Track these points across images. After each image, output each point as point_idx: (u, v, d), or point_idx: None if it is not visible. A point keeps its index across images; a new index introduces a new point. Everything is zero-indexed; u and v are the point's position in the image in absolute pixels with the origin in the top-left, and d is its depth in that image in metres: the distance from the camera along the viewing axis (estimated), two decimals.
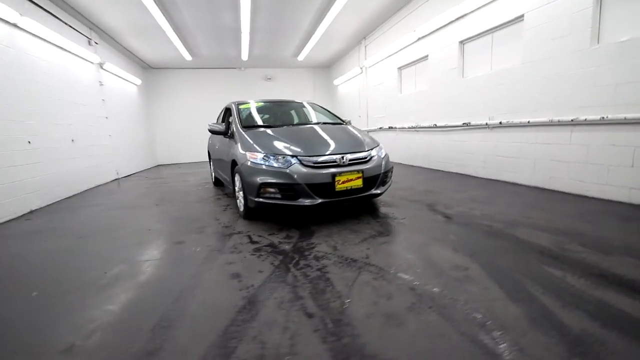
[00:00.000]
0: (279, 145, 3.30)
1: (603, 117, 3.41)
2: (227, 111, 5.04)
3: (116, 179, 7.95)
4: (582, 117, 3.62)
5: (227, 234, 3.13)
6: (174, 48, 8.87)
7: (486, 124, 5.01)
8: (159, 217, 4.01)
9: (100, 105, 7.48)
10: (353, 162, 3.24)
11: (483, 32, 5.04)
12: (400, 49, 7.26)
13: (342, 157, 3.20)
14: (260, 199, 3.13)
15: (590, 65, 3.54)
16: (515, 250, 2.39)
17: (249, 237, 3.01)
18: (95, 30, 7.29)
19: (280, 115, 4.49)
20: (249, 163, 3.23)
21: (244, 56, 10.06)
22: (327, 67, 12.87)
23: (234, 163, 3.72)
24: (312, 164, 3.09)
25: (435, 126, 6.26)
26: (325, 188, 3.05)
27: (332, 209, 3.70)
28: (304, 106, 4.81)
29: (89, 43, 7.12)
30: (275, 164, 3.09)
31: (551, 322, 1.52)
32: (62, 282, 2.28)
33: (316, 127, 3.93)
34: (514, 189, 4.35)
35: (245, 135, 3.62)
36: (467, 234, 2.79)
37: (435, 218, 3.28)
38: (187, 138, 11.87)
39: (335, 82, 11.83)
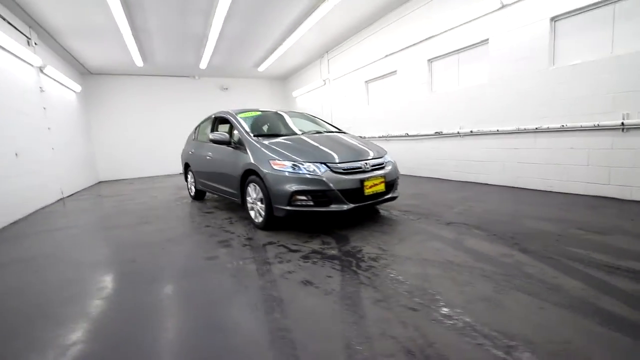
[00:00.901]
0: (304, 153, 3.32)
1: (563, 125, 4.17)
2: (219, 121, 4.85)
3: (61, 199, 6.90)
4: (545, 126, 4.36)
5: (259, 246, 3.02)
6: (126, 52, 8.15)
7: (458, 132, 5.64)
8: (160, 235, 3.65)
9: (42, 114, 6.50)
10: (375, 168, 3.42)
11: (450, 52, 5.71)
12: (368, 64, 7.76)
13: (366, 163, 3.36)
14: (292, 207, 3.10)
15: (549, 83, 4.30)
16: (536, 237, 2.78)
17: (285, 246, 2.96)
18: (35, 29, 6.37)
19: (283, 124, 4.47)
20: (276, 172, 3.18)
21: (203, 64, 9.66)
22: (284, 79, 12.99)
23: (248, 173, 3.62)
24: (342, 171, 3.18)
25: (407, 135, 6.80)
26: (355, 193, 3.17)
27: (340, 217, 3.81)
28: (300, 116, 4.86)
29: (28, 43, 6.19)
30: (307, 172, 3.11)
31: (594, 280, 1.86)
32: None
33: (327, 135, 4.04)
34: (489, 189, 4.97)
35: (261, 145, 3.55)
36: (485, 226, 3.15)
37: (447, 217, 3.61)
38: (134, 151, 10.83)
39: (294, 93, 11.99)
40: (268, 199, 3.28)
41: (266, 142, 3.61)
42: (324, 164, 3.18)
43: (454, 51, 5.64)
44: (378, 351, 1.46)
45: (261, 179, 3.36)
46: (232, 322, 1.79)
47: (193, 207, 5.18)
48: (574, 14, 4.01)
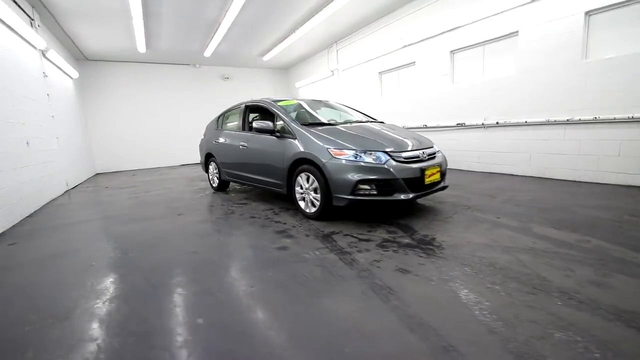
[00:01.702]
0: (362, 141, 3.28)
1: (595, 117, 4.30)
2: (250, 109, 4.72)
3: (67, 191, 6.56)
4: (577, 118, 4.49)
5: (323, 235, 2.97)
6: (131, 37, 7.76)
7: (482, 123, 5.73)
8: (204, 226, 3.53)
9: (46, 101, 6.11)
10: (430, 157, 3.42)
11: (475, 44, 5.76)
12: (383, 55, 7.72)
13: (423, 152, 3.36)
14: (355, 197, 3.07)
15: (582, 75, 4.42)
16: (596, 223, 2.87)
17: (352, 235, 2.93)
18: (39, 9, 5.94)
19: (322, 113, 4.38)
20: (336, 161, 3.13)
21: (208, 52, 9.33)
22: (286, 69, 12.77)
23: (298, 163, 3.54)
24: (403, 159, 3.17)
25: (425, 126, 6.85)
26: (417, 182, 3.16)
27: (395, 206, 3.81)
28: (332, 105, 4.78)
29: (31, 25, 5.77)
30: (370, 161, 3.07)
31: None
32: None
33: (375, 124, 4.02)
34: (517, 179, 5.08)
35: (313, 134, 3.48)
36: (541, 215, 3.22)
37: (495, 206, 3.67)
38: (133, 142, 10.40)
39: (297, 84, 11.82)
40: (326, 188, 3.23)
41: (316, 131, 3.54)
42: (386, 152, 3.15)
43: (479, 43, 5.69)
44: (527, 334, 1.47)
45: (318, 168, 3.29)
46: (355, 311, 1.75)
47: (220, 198, 5.03)
48: (609, 9, 4.11)
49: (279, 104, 4.25)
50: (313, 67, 10.89)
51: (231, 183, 5.83)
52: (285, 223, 3.45)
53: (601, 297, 1.75)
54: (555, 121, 4.74)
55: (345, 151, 3.14)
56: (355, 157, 3.10)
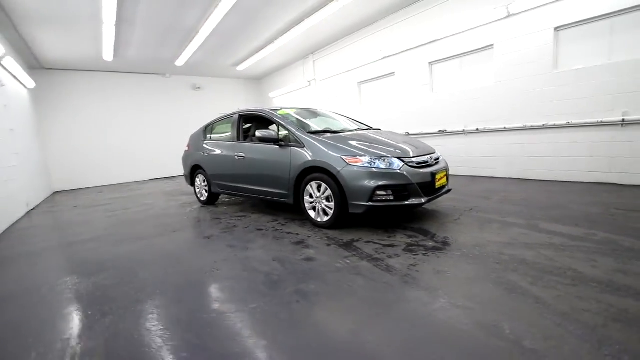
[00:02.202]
0: (373, 148, 3.31)
1: (568, 122, 4.74)
2: (244, 119, 4.60)
3: (28, 213, 5.88)
4: (551, 123, 4.92)
5: (344, 244, 2.93)
6: (97, 45, 7.26)
7: (463, 130, 6.07)
8: (210, 242, 3.33)
9: (4, 113, 5.48)
10: (436, 162, 3.54)
11: (453, 56, 6.13)
12: (362, 66, 7.94)
13: (431, 157, 3.47)
14: (373, 203, 3.07)
15: (554, 85, 4.86)
16: (592, 218, 3.12)
17: (374, 242, 2.91)
18: None
19: (322, 121, 4.37)
20: (352, 168, 3.12)
21: (180, 62, 8.98)
22: (258, 80, 12.65)
23: (307, 172, 3.48)
24: (415, 165, 3.24)
25: (408, 133, 7.10)
26: (428, 186, 3.24)
27: (405, 211, 3.86)
28: (329, 114, 4.80)
29: None
30: (386, 167, 3.10)
31: None
32: None
33: (378, 132, 4.10)
34: (501, 181, 5.42)
35: (321, 142, 3.45)
36: (540, 212, 3.44)
37: (494, 207, 3.87)
38: (95, 156, 9.62)
39: (272, 94, 11.74)
40: (341, 196, 3.20)
41: (324, 139, 3.52)
42: (399, 158, 3.20)
43: (457, 55, 6.06)
44: (589, 324, 1.54)
45: (331, 176, 3.27)
46: (429, 315, 1.73)
47: (212, 212, 4.79)
48: (576, 25, 4.60)
49: (278, 112, 4.18)
50: (288, 78, 10.90)
51: (220, 196, 5.58)
52: (297, 234, 3.36)
53: (633, 283, 1.89)
54: (532, 126, 5.14)
55: (360, 158, 3.15)
56: (371, 164, 3.12)
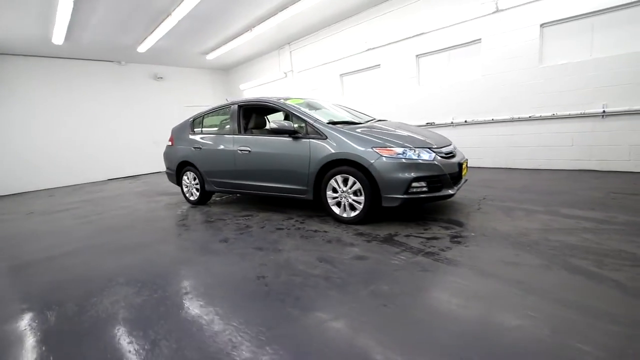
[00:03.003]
0: (401, 139, 3.21)
1: (554, 114, 5.08)
2: (245, 110, 4.24)
3: None
4: (538, 115, 5.23)
5: (384, 239, 2.80)
6: (45, 25, 6.26)
7: (451, 122, 6.25)
8: (244, 245, 3.00)
9: None
10: (456, 152, 3.55)
11: (441, 49, 6.25)
12: (345, 57, 7.81)
13: (455, 148, 3.47)
14: (408, 195, 2.97)
15: (539, 78, 5.17)
16: (601, 201, 3.35)
17: (414, 236, 2.82)
18: None
19: (334, 112, 4.16)
20: (385, 160, 2.99)
21: (143, 48, 8.11)
22: (226, 70, 11.95)
23: (331, 164, 3.28)
24: (444, 155, 3.21)
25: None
26: (455, 177, 3.23)
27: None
28: (329, 105, 4.60)
29: None
30: (420, 157, 3.02)
31: None
32: None
33: (395, 122, 4.03)
34: (489, 171, 5.67)
35: (346, 133, 3.27)
36: (549, 199, 3.61)
37: (504, 193, 4.00)
38: (38, 156, 8.38)
39: (242, 86, 11.17)
40: (372, 189, 3.06)
41: (348, 130, 3.35)
42: (429, 148, 3.14)
43: (444, 48, 6.20)
44: None
45: (361, 168, 3.11)
46: (550, 313, 1.66)
47: (209, 212, 4.37)
48: (560, 22, 4.91)
49: (289, 102, 3.90)
50: (261, 69, 10.42)
51: (212, 195, 5.14)
52: (325, 231, 3.16)
53: None
54: (519, 118, 5.44)
55: (394, 149, 3.03)
56: (404, 155, 3.01)
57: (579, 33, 4.80)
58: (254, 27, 7.52)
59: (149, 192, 6.49)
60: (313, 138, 3.43)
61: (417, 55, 6.60)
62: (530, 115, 5.32)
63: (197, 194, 4.80)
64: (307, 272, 2.30)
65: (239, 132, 4.18)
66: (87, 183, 9.04)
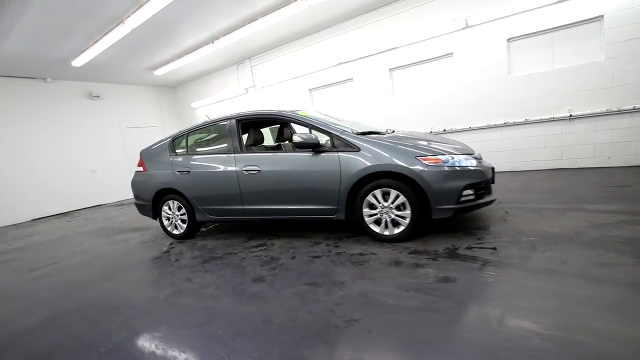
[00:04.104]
0: (437, 145, 3.06)
1: (526, 119, 5.52)
2: (243, 125, 3.75)
3: None
4: (512, 121, 5.64)
5: (448, 256, 2.56)
6: None
7: (430, 132, 6.43)
8: (289, 283, 2.47)
9: None
10: None
11: (414, 63, 6.47)
12: (314, 72, 7.64)
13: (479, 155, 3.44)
14: (460, 205, 2.80)
15: (509, 88, 5.60)
16: (606, 196, 3.59)
17: (476, 247, 2.64)
18: None
19: (347, 123, 3.84)
20: (436, 168, 2.79)
21: (81, 61, 6.91)
22: (174, 87, 10.94)
23: (367, 178, 2.97)
24: (479, 161, 3.14)
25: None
26: (492, 182, 3.18)
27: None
28: (334, 117, 4.32)
29: None
30: (465, 164, 2.89)
31: None
32: None
33: (410, 132, 3.90)
34: None
35: (379, 144, 3.01)
36: (556, 198, 3.79)
37: (512, 195, 4.10)
38: None
39: (195, 104, 10.29)
40: (418, 201, 2.83)
41: (380, 140, 3.10)
42: (470, 154, 3.05)
43: (418, 62, 6.42)
44: None
45: (405, 180, 2.86)
46: None
47: (206, 247, 3.69)
48: (524, 37, 5.41)
49: (301, 114, 3.52)
50: (216, 85, 9.73)
51: (201, 227, 4.41)
52: (374, 253, 2.81)
53: None
54: (494, 125, 5.80)
55: (439, 157, 2.86)
56: (450, 162, 2.85)
57: (541, 47, 5.33)
58: (216, 39, 6.98)
59: (105, 231, 5.36)
60: (342, 151, 3.10)
61: (390, 69, 6.74)
62: (504, 121, 5.71)
63: (184, 226, 4.05)
64: (404, 307, 1.93)
65: (241, 150, 3.64)
66: (7, 226, 7.22)
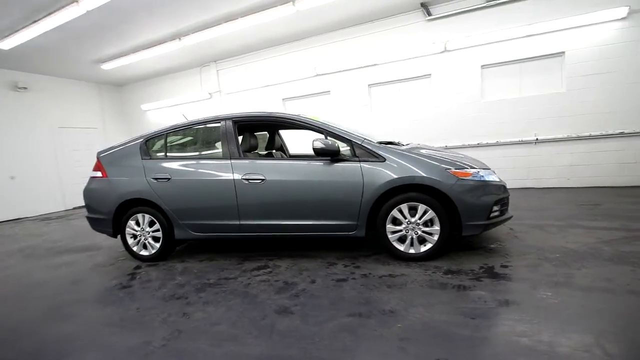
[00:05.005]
0: (461, 159, 2.96)
1: (497, 141, 5.87)
2: (242, 128, 3.29)
3: None
4: (485, 142, 5.96)
5: (486, 277, 2.40)
6: None
7: None
8: (319, 314, 2.04)
9: None
10: None
11: (393, 81, 6.56)
12: (290, 81, 7.35)
13: None
14: (489, 221, 2.69)
15: (482, 111, 5.95)
16: (599, 212, 3.85)
17: (512, 265, 2.53)
18: None
19: (358, 132, 3.55)
20: (466, 182, 2.65)
21: (10, 43, 5.68)
22: (120, 86, 9.68)
23: (390, 192, 2.73)
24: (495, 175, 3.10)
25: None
26: None
27: None
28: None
29: None
30: (492, 178, 2.81)
31: None
32: None
33: (420, 144, 3.74)
34: None
35: (405, 156, 2.81)
36: (548, 212, 3.96)
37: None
38: None
39: (145, 106, 9.21)
40: (448, 217, 2.66)
41: (405, 151, 2.90)
42: (489, 169, 2.99)
43: (397, 80, 6.52)
44: None
45: (435, 194, 2.68)
46: None
47: (191, 272, 3.06)
48: (496, 65, 5.82)
49: (312, 118, 3.18)
50: (175, 87, 8.84)
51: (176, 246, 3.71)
52: (404, 274, 2.53)
53: None
54: (469, 144, 6.08)
55: (468, 170, 2.74)
56: (479, 176, 2.75)
57: (510, 75, 5.79)
58: (184, 36, 6.33)
59: (36, 251, 4.25)
60: (365, 161, 2.82)
61: (369, 85, 6.75)
62: (478, 142, 6.02)
63: (157, 245, 3.34)
64: (482, 337, 1.67)
65: (240, 156, 3.14)
66: None
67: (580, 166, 5.45)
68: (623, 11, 4.88)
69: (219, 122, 3.28)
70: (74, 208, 7.97)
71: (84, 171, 8.60)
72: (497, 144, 5.92)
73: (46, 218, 7.03)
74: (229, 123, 3.23)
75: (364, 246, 3.24)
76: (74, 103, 8.55)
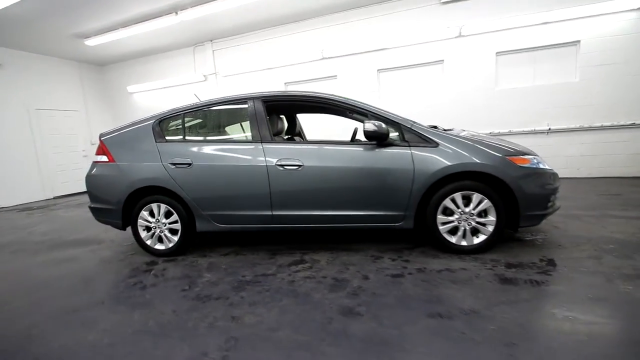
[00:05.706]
0: (507, 145, 2.78)
1: (510, 130, 5.81)
2: (274, 109, 2.99)
3: None
4: (496, 131, 5.88)
5: (550, 271, 2.26)
6: None
7: None
8: (409, 316, 1.82)
9: None
10: None
11: (403, 66, 6.33)
12: (293, 64, 6.96)
13: None
14: (547, 211, 2.56)
15: (496, 99, 5.85)
16: (621, 201, 3.84)
17: (573, 258, 2.41)
18: None
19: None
20: (526, 170, 2.49)
21: None
22: (103, 66, 8.91)
23: (442, 181, 2.53)
24: None
25: (359, 141, 6.75)
26: None
27: None
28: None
29: None
30: (547, 166, 2.66)
31: None
32: None
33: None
34: None
35: (458, 141, 2.61)
36: (577, 202, 3.91)
37: None
38: None
39: (132, 88, 8.54)
40: (504, 207, 2.50)
41: (456, 135, 2.70)
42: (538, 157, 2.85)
43: (408, 65, 6.30)
44: None
45: (492, 182, 2.51)
46: None
47: (218, 267, 2.76)
48: (510, 52, 5.70)
49: (349, 98, 2.91)
50: (165, 68, 8.22)
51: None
52: (464, 269, 2.36)
53: None
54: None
55: (527, 157, 2.57)
56: (537, 164, 2.60)
57: (525, 63, 5.69)
58: (181, 10, 5.80)
59: (26, 246, 3.78)
60: (415, 146, 2.60)
61: (378, 70, 6.49)
62: (490, 131, 5.92)
63: (175, 238, 3.00)
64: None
65: (272, 140, 2.83)
66: None
67: (590, 156, 5.48)
68: (638, 1, 4.86)
69: (246, 103, 2.94)
70: (56, 197, 7.31)
71: (66, 158, 7.96)
72: (509, 133, 5.85)
73: (26, 208, 6.39)
74: (258, 103, 2.90)
75: (400, 238, 3.05)
76: (54, 83, 7.77)
